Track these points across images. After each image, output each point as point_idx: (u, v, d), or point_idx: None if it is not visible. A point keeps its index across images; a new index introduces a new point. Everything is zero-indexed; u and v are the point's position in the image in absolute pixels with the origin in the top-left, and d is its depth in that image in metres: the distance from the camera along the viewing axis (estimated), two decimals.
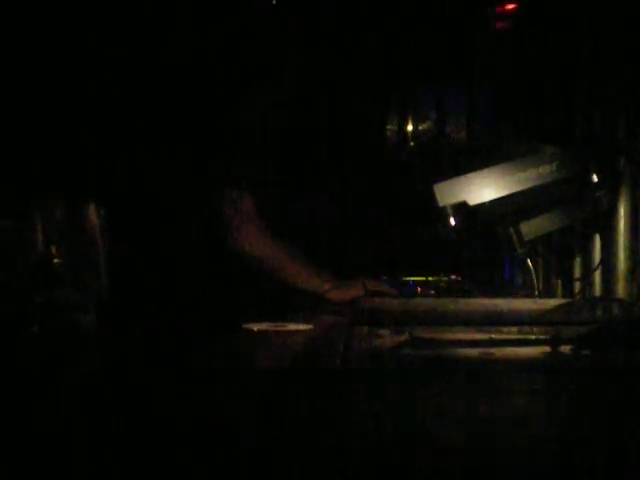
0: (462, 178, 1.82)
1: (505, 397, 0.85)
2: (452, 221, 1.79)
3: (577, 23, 1.99)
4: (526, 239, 1.88)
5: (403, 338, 1.24)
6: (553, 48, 2.11)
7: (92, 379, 0.97)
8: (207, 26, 1.85)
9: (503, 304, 1.71)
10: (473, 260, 2.35)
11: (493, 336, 1.28)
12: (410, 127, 2.71)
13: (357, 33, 2.49)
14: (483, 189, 1.81)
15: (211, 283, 1.84)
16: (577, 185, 1.85)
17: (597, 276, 1.91)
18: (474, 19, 2.50)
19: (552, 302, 1.76)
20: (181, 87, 1.82)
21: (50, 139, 1.73)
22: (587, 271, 1.96)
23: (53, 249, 1.36)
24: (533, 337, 1.30)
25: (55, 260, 1.36)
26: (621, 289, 1.82)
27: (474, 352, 1.16)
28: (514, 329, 1.34)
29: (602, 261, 1.88)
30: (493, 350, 1.16)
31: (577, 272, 2.03)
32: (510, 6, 2.34)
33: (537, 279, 1.98)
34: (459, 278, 2.24)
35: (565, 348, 1.15)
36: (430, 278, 2.20)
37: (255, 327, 1.32)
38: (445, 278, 2.22)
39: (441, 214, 1.79)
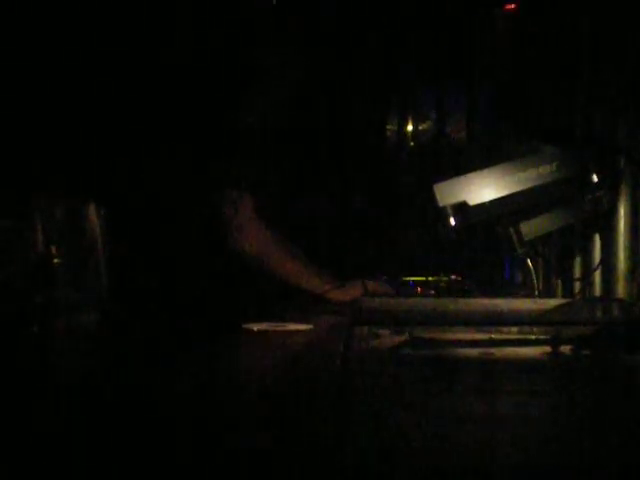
0: (462, 178, 1.82)
1: (505, 397, 0.85)
2: (452, 221, 1.79)
3: (577, 23, 1.99)
4: (526, 239, 1.88)
5: (403, 338, 1.24)
6: (553, 48, 2.11)
7: (92, 379, 0.97)
8: (207, 26, 1.85)
9: (503, 304, 1.71)
10: (473, 260, 2.35)
11: (493, 336, 1.28)
12: (410, 127, 2.71)
13: (357, 33, 2.49)
14: (483, 189, 1.81)
15: (211, 283, 1.84)
16: (577, 185, 1.85)
17: (597, 276, 1.91)
18: (474, 19, 2.50)
19: (552, 302, 1.76)
20: (181, 87, 1.81)
21: (50, 139, 1.73)
22: (587, 271, 1.96)
23: (53, 249, 1.36)
24: (533, 337, 1.30)
25: (55, 260, 1.36)
26: (621, 289, 1.82)
27: (474, 352, 1.16)
28: (514, 329, 1.34)
29: (602, 261, 1.88)
30: (493, 350, 1.16)
31: (577, 272, 2.03)
32: (510, 6, 2.34)
33: (537, 279, 1.98)
34: (459, 278, 2.24)
35: (565, 348, 1.15)
36: (430, 278, 2.20)
37: (255, 327, 1.32)
38: (445, 278, 2.22)
39: (441, 214, 1.79)
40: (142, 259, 1.77)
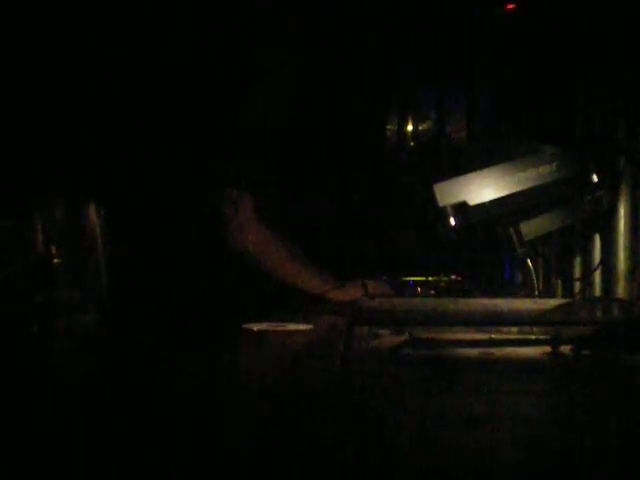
0: (462, 178, 1.82)
1: (505, 397, 0.85)
2: (452, 221, 1.79)
3: (577, 23, 1.99)
4: (526, 239, 1.88)
5: (403, 338, 1.24)
6: (553, 48, 2.11)
7: (92, 379, 0.97)
8: (207, 26, 1.85)
9: (503, 304, 1.71)
10: (473, 260, 2.35)
11: (493, 336, 1.28)
12: (410, 127, 2.71)
13: (357, 33, 2.49)
14: (483, 189, 1.81)
15: (211, 283, 1.84)
16: (577, 185, 1.85)
17: (597, 276, 1.91)
18: (474, 19, 2.50)
19: (552, 302, 1.76)
20: (181, 87, 1.81)
21: (50, 139, 1.73)
22: (587, 271, 1.96)
23: (53, 249, 1.36)
24: (533, 337, 1.30)
25: (55, 260, 1.36)
26: (621, 289, 1.82)
27: (474, 352, 1.16)
28: (514, 329, 1.34)
29: (602, 261, 1.88)
30: (493, 350, 1.16)
31: (577, 272, 2.03)
32: (510, 6, 2.34)
33: (537, 279, 1.98)
34: (459, 278, 2.23)
35: (565, 348, 1.15)
36: (430, 278, 2.20)
37: (255, 327, 1.32)
38: (445, 278, 2.22)
39: (441, 214, 1.79)
40: (142, 259, 1.77)
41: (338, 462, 0.60)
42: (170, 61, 1.81)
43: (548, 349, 1.15)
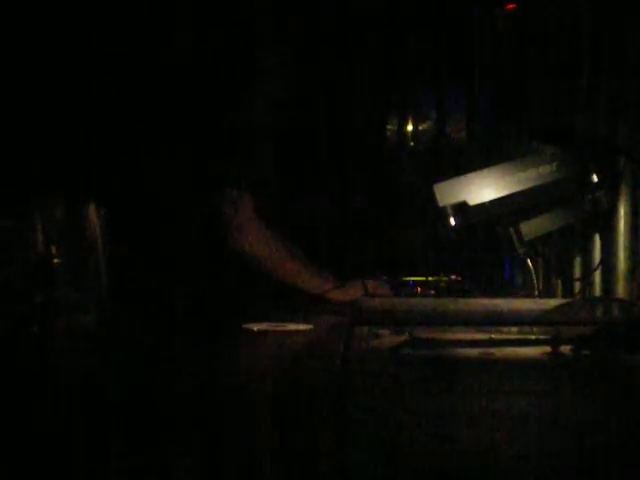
0: (462, 178, 1.82)
1: (505, 397, 0.85)
2: (452, 221, 1.79)
3: (577, 23, 1.99)
4: (526, 239, 1.88)
5: (403, 338, 1.24)
6: (553, 48, 2.11)
7: (92, 379, 0.97)
8: (207, 26, 1.85)
9: (503, 304, 1.71)
10: (473, 260, 2.35)
11: (493, 336, 1.28)
12: (410, 127, 2.71)
13: (357, 33, 2.49)
14: (483, 189, 1.81)
15: (211, 283, 1.84)
16: (577, 185, 1.86)
17: (597, 276, 1.91)
18: (474, 19, 2.50)
19: (552, 302, 1.76)
20: (181, 87, 1.81)
21: (50, 139, 1.73)
22: (587, 271, 1.96)
23: (53, 249, 1.36)
24: (533, 337, 1.30)
25: (55, 260, 1.36)
26: (621, 289, 1.82)
27: (474, 352, 1.16)
28: (514, 329, 1.34)
29: (602, 261, 1.88)
30: (493, 350, 1.16)
31: (577, 272, 2.03)
32: (510, 6, 2.34)
33: (537, 279, 1.98)
34: (459, 278, 2.23)
35: (565, 348, 1.15)
36: (430, 278, 2.20)
37: (255, 327, 1.32)
38: (445, 278, 2.22)
39: (441, 214, 1.79)
40: (142, 259, 1.77)
41: (338, 462, 0.60)
42: (170, 61, 1.81)
43: (548, 349, 1.15)
